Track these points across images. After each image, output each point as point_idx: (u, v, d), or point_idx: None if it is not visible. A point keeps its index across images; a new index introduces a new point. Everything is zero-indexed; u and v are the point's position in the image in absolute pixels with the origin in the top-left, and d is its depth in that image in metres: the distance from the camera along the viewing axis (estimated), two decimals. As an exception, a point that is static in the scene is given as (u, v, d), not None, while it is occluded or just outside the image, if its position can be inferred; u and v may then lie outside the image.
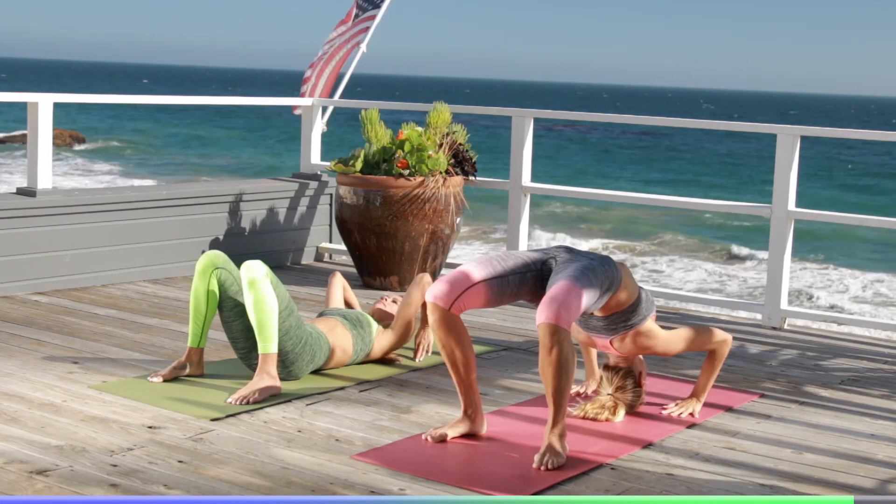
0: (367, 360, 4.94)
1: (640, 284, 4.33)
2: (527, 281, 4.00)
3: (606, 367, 4.34)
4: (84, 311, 5.81)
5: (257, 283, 4.38)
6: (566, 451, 3.74)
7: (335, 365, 4.79)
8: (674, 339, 4.30)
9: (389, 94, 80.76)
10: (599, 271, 3.94)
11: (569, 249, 4.11)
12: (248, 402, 4.23)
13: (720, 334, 4.37)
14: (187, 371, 4.60)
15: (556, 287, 3.79)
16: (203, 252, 4.64)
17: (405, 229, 6.60)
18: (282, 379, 4.52)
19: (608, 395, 4.27)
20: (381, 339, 4.94)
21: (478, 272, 3.92)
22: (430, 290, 3.90)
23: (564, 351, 3.68)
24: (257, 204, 7.31)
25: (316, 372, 4.76)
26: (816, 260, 17.42)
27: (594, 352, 4.59)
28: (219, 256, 4.60)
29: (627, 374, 4.31)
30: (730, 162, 38.60)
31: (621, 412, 4.25)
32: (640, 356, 4.39)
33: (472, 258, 4.02)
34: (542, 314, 3.72)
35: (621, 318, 4.18)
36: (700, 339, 4.33)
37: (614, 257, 4.27)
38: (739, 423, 4.29)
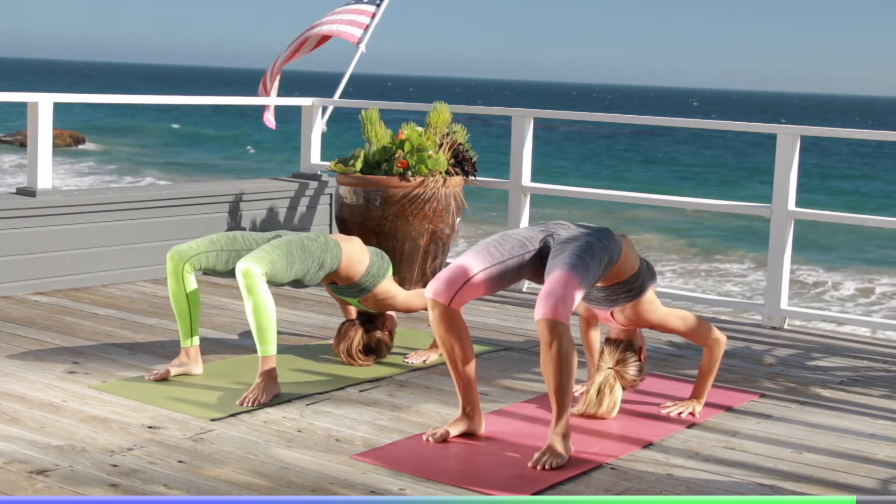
0: (367, 309, 4.96)
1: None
2: (526, 262, 3.99)
3: (608, 341, 4.34)
4: (84, 311, 5.81)
5: (256, 288, 4.37)
6: (570, 452, 3.74)
7: (346, 276, 4.80)
8: (673, 315, 4.30)
9: (386, 93, 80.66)
10: (597, 248, 3.93)
11: (566, 226, 4.10)
12: (257, 405, 4.23)
13: (717, 332, 4.38)
14: (185, 369, 4.60)
15: (553, 279, 3.78)
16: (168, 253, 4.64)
17: (405, 229, 6.60)
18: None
19: (609, 368, 4.27)
20: (390, 284, 4.93)
21: (475, 263, 3.91)
22: (429, 287, 3.90)
23: (564, 345, 3.68)
24: (257, 204, 7.31)
25: (315, 373, 4.77)
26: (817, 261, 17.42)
27: (596, 348, 4.56)
28: (182, 251, 4.59)
29: (628, 348, 4.30)
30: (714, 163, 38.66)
31: (618, 391, 4.23)
32: (640, 331, 4.39)
33: (469, 248, 4.01)
34: (539, 310, 3.72)
35: (622, 288, 4.18)
36: (697, 328, 4.33)
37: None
38: (739, 423, 4.29)
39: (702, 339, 4.36)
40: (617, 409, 4.27)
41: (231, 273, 4.65)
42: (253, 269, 4.38)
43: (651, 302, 4.25)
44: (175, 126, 44.77)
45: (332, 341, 5.26)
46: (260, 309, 4.36)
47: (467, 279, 3.88)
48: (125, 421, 4.00)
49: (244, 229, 7.18)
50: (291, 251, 4.58)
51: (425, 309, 5.01)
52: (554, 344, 3.68)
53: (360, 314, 5.04)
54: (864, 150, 44.12)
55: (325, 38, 8.06)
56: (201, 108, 52.15)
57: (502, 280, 3.96)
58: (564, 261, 3.84)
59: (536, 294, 6.83)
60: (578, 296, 3.78)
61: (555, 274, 3.80)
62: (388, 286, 4.93)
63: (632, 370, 4.29)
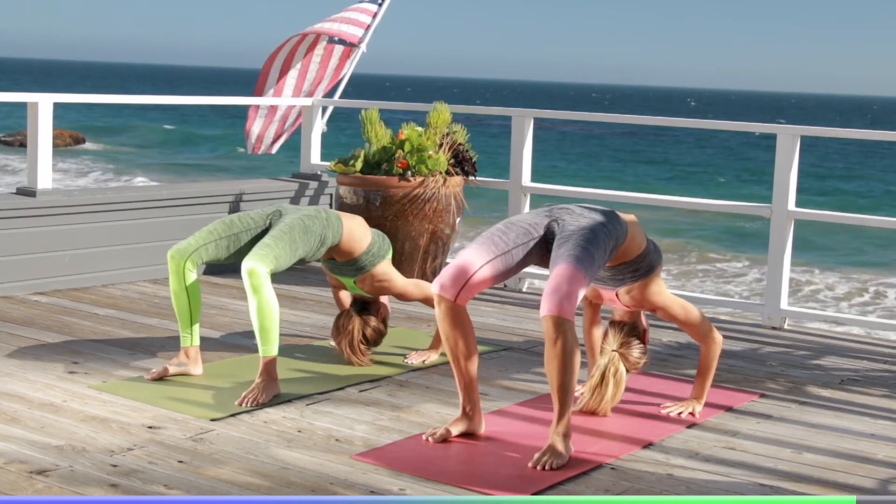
0: (363, 291, 4.96)
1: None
2: (531, 249, 3.99)
3: (611, 324, 4.34)
4: (84, 311, 5.81)
5: (261, 288, 4.36)
6: (570, 452, 3.74)
7: (346, 251, 4.81)
8: (677, 303, 4.31)
9: (384, 93, 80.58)
10: (602, 236, 3.93)
11: (571, 210, 4.08)
12: (256, 404, 4.23)
13: (716, 333, 4.39)
14: (183, 369, 4.59)
15: (558, 274, 3.77)
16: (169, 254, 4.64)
17: (405, 229, 6.60)
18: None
19: (613, 350, 4.26)
20: (389, 267, 4.94)
21: (480, 256, 3.91)
22: (435, 283, 3.90)
23: (569, 343, 3.69)
24: (257, 204, 7.30)
25: (315, 373, 4.77)
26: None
27: (597, 346, 4.55)
28: (182, 250, 4.59)
29: (632, 330, 4.30)
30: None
31: (622, 373, 4.23)
32: (644, 314, 4.39)
33: (474, 240, 4.01)
34: (545, 306, 3.72)
35: (629, 268, 4.18)
36: (698, 323, 4.33)
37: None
38: (739, 423, 4.29)
39: (701, 335, 4.35)
40: (621, 392, 4.26)
41: (234, 258, 4.69)
42: (258, 269, 4.37)
43: (658, 284, 4.27)
44: (169, 126, 44.71)
45: (330, 340, 5.26)
46: (264, 309, 4.36)
47: (473, 273, 3.88)
48: (125, 421, 4.00)
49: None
50: (294, 238, 4.58)
51: (421, 300, 5.02)
52: (559, 341, 3.69)
53: (354, 302, 5.03)
54: (850, 150, 44.07)
55: (347, 50, 8.12)
56: (199, 109, 52.11)
57: (508, 270, 3.97)
58: (569, 253, 3.83)
59: (537, 294, 6.84)
60: (583, 290, 3.80)
61: (560, 268, 3.79)
62: (387, 268, 4.93)
63: (636, 352, 4.28)
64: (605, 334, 4.34)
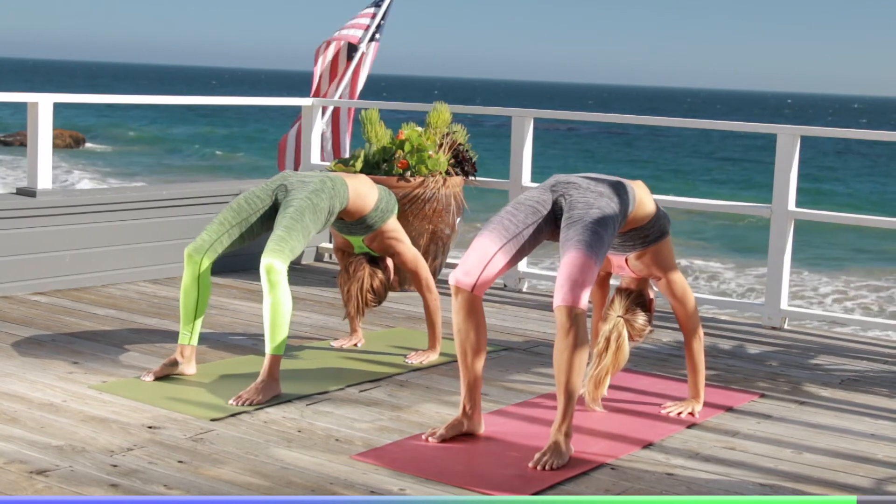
0: (371, 250, 4.99)
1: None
2: (541, 226, 3.99)
3: (618, 291, 4.33)
4: (84, 311, 5.81)
5: (278, 286, 4.36)
6: (571, 452, 3.74)
7: (354, 211, 4.83)
8: (681, 280, 4.32)
9: (381, 93, 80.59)
10: (610, 214, 3.92)
11: (576, 185, 4.04)
12: (250, 404, 4.23)
13: (700, 329, 4.39)
14: (179, 368, 4.59)
15: (570, 262, 3.76)
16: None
17: (405, 229, 6.59)
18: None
19: (618, 317, 4.25)
20: (396, 223, 4.98)
21: (493, 243, 3.91)
22: (452, 274, 3.90)
23: (581, 334, 3.70)
24: (257, 204, 7.30)
25: (315, 373, 4.77)
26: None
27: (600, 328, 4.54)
28: (199, 247, 4.60)
29: (638, 298, 4.29)
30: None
31: (626, 340, 4.21)
32: (651, 283, 4.39)
33: (485, 224, 3.99)
34: (558, 296, 3.72)
35: (639, 234, 4.18)
36: (692, 309, 4.33)
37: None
38: (739, 423, 4.29)
39: (690, 327, 4.33)
40: (624, 357, 4.21)
41: (247, 240, 4.72)
42: (276, 265, 4.37)
43: (670, 251, 4.27)
44: (162, 127, 44.67)
45: (331, 340, 5.26)
46: (278, 307, 4.36)
47: (488, 262, 3.88)
48: (125, 421, 4.00)
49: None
50: (306, 224, 4.57)
51: (412, 271, 5.01)
52: (571, 331, 3.69)
53: (362, 255, 5.05)
54: (836, 149, 44.03)
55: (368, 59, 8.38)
56: (193, 109, 52.09)
57: (522, 251, 3.97)
58: (580, 238, 3.81)
59: (536, 294, 6.84)
60: (595, 274, 3.80)
61: (571, 256, 3.78)
62: (395, 224, 4.98)
63: (640, 319, 4.27)
64: (611, 302, 4.32)
